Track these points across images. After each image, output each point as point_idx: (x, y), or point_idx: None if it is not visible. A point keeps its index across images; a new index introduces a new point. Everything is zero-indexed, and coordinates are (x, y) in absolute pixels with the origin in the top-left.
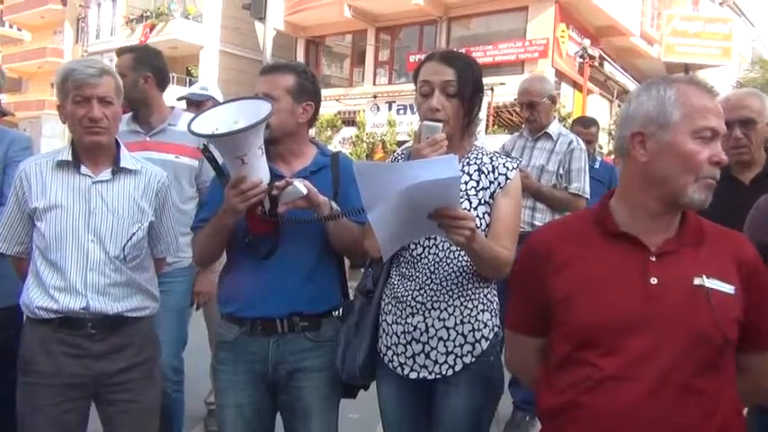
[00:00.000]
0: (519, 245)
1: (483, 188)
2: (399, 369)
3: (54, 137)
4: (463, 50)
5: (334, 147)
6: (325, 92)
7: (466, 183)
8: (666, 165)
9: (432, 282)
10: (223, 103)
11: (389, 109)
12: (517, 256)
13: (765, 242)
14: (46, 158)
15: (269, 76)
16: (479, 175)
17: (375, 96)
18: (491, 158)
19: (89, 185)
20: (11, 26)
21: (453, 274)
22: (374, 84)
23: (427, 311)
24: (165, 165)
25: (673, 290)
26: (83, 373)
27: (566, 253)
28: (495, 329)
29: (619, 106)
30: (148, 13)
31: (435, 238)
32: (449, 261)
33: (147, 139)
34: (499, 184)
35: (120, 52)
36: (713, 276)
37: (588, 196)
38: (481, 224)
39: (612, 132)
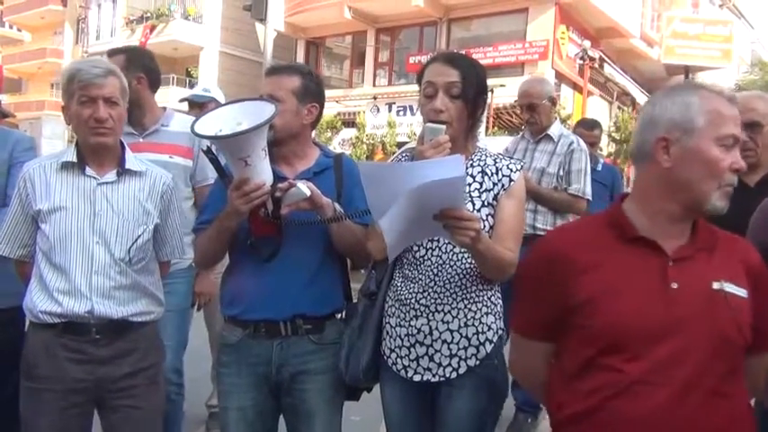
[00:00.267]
0: (522, 247)
1: (486, 190)
2: (403, 372)
3: (54, 138)
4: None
5: (333, 148)
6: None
7: (469, 184)
8: (691, 171)
9: (435, 284)
10: (226, 104)
11: (389, 110)
12: (527, 259)
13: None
14: (50, 160)
15: (274, 77)
16: (483, 177)
17: (375, 98)
18: (495, 160)
19: (94, 187)
20: (11, 27)
21: (457, 276)
22: (374, 85)
23: (431, 314)
24: (159, 165)
25: (693, 294)
26: (86, 378)
27: (586, 257)
28: (500, 332)
29: (619, 108)
30: (149, 14)
31: (438, 240)
32: (452, 263)
33: (141, 140)
34: (503, 185)
35: (112, 53)
36: (728, 281)
37: (589, 197)
38: (485, 226)
39: (612, 134)
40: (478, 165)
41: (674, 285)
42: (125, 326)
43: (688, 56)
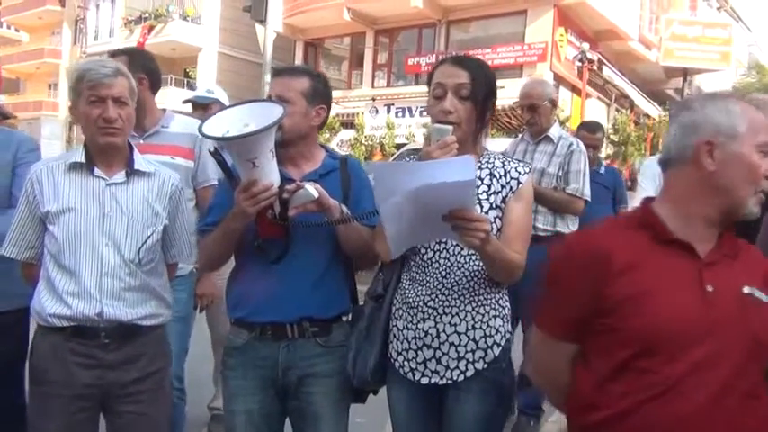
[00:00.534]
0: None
1: (495, 192)
2: (410, 374)
3: (53, 138)
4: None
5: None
6: None
7: (478, 187)
8: (732, 175)
9: (443, 286)
10: (233, 105)
11: (388, 112)
12: (559, 259)
13: None
14: (57, 161)
15: (283, 78)
16: (491, 180)
17: (374, 99)
18: (503, 163)
19: (103, 188)
20: (8, 27)
21: (465, 278)
22: (372, 86)
23: (438, 316)
24: None
25: (727, 298)
26: (95, 383)
27: (622, 257)
28: (507, 335)
29: (617, 110)
30: (147, 15)
31: (446, 242)
32: (460, 266)
33: (141, 141)
34: (511, 188)
35: (114, 54)
36: (755, 286)
37: (588, 198)
38: (492, 228)
39: (611, 137)
40: (487, 167)
41: (710, 288)
42: (134, 330)
43: (687, 58)
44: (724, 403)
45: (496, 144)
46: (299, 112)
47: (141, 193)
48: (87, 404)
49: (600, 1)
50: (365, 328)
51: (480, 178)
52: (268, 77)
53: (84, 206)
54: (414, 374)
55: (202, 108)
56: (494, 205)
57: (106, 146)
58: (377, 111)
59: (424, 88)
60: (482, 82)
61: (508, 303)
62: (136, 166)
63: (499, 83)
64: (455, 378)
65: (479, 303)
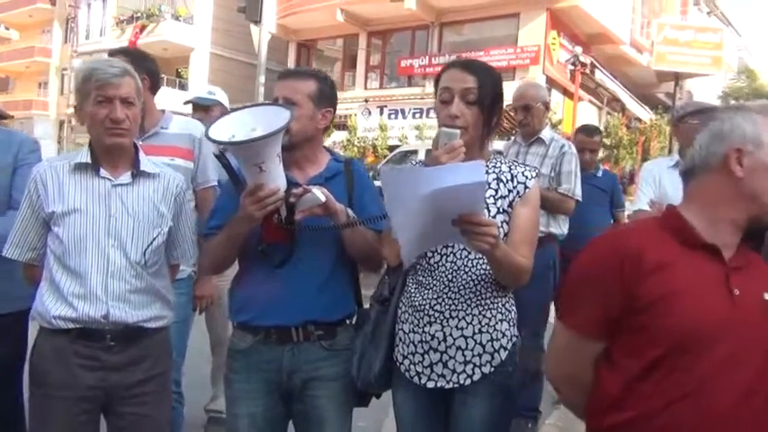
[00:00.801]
0: None
1: (502, 197)
2: (416, 378)
3: (46, 138)
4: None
5: None
6: None
7: (485, 191)
8: (761, 181)
9: (450, 290)
10: (239, 108)
11: (381, 113)
12: (588, 258)
13: None
14: (62, 161)
15: (289, 80)
16: (498, 184)
17: (366, 100)
18: (509, 167)
19: (109, 189)
20: None
21: (471, 282)
22: (365, 88)
23: (445, 320)
24: None
25: (752, 302)
26: (98, 385)
27: (654, 256)
28: (513, 339)
29: (608, 113)
30: (139, 14)
31: (453, 246)
32: (467, 269)
33: (140, 142)
34: (518, 192)
35: (113, 54)
36: None
37: (579, 198)
38: (500, 233)
39: (603, 140)
40: (494, 171)
41: (737, 291)
42: (139, 332)
43: (679, 62)
44: (750, 404)
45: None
46: (306, 115)
47: (147, 195)
48: (90, 406)
49: (592, 5)
50: (370, 332)
51: (488, 182)
52: (262, 78)
53: (90, 207)
54: (420, 378)
55: (203, 109)
56: (501, 209)
57: (113, 146)
58: (369, 112)
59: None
60: (489, 87)
61: (514, 308)
62: (142, 167)
63: None
64: (462, 382)
65: (486, 307)
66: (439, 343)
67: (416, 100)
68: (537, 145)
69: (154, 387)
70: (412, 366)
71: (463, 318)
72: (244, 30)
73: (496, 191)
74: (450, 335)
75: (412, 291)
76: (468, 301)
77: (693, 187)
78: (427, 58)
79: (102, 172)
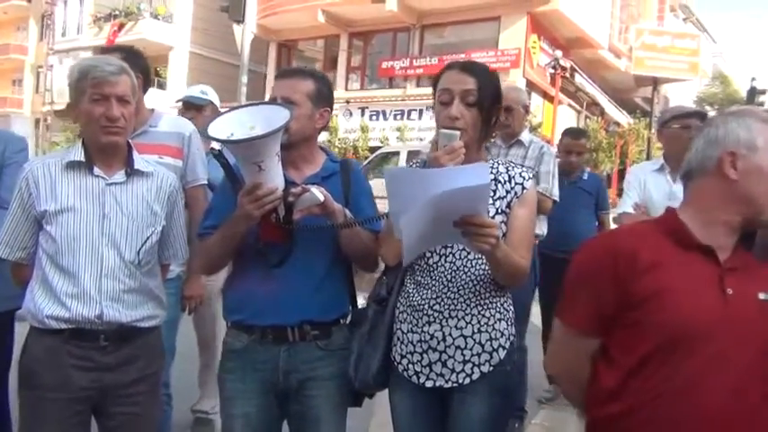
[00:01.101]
0: None
1: (500, 198)
2: (415, 378)
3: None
4: (435, 58)
5: None
6: None
7: None
8: (754, 184)
9: (449, 290)
10: (238, 107)
11: (362, 115)
12: (586, 256)
13: None
14: (54, 159)
15: (288, 80)
16: (496, 185)
17: (347, 102)
18: (507, 168)
19: (102, 187)
20: None
21: (471, 282)
22: (346, 89)
23: (444, 320)
24: None
25: (746, 302)
26: (92, 386)
27: (649, 256)
28: (512, 338)
29: (587, 117)
30: (117, 12)
31: (452, 247)
32: (466, 269)
33: (129, 140)
34: (516, 193)
35: (106, 51)
36: (766, 294)
37: (557, 198)
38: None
39: None
40: (491, 173)
41: (730, 291)
42: (133, 332)
43: (657, 68)
44: (739, 401)
45: None
46: (304, 114)
47: (141, 194)
48: (82, 407)
49: (572, 9)
50: (368, 332)
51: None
52: (245, 78)
53: (83, 206)
54: (418, 377)
55: (195, 109)
56: (499, 210)
57: (108, 145)
58: (351, 113)
59: (398, 92)
60: (488, 89)
61: (512, 307)
62: (136, 166)
63: None
64: (461, 381)
65: (485, 307)
66: (438, 342)
67: (397, 101)
68: (517, 147)
69: (146, 387)
70: (410, 366)
71: (462, 317)
72: (224, 29)
73: (494, 192)
74: (450, 334)
75: (410, 290)
76: (468, 301)
77: (690, 190)
78: (408, 60)
79: (96, 170)
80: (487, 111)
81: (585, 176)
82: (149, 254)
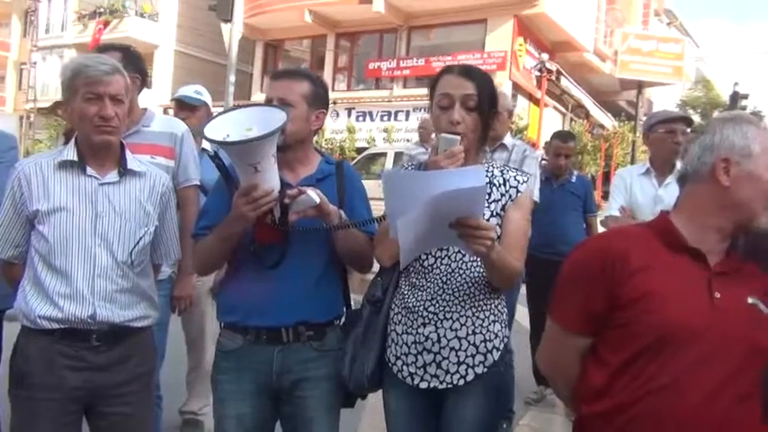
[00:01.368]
0: None
1: (494, 201)
2: (409, 379)
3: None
4: (422, 60)
5: None
6: None
7: None
8: (747, 191)
9: (444, 292)
10: (234, 108)
11: (349, 115)
12: (579, 257)
13: None
14: (46, 158)
15: (284, 81)
16: (491, 188)
17: (334, 102)
18: (501, 171)
19: (95, 187)
20: None
21: (466, 284)
22: (333, 90)
23: (439, 321)
24: None
25: (733, 305)
26: (84, 386)
27: (639, 258)
28: (505, 340)
29: (572, 120)
30: (102, 10)
31: (448, 249)
32: (461, 271)
33: (122, 140)
34: (510, 196)
35: (103, 49)
36: (757, 298)
37: (537, 200)
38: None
39: None
40: (486, 176)
41: (717, 295)
42: (125, 332)
43: (642, 71)
44: (718, 402)
45: None
46: (300, 116)
47: (134, 194)
48: (75, 407)
49: (558, 13)
50: (362, 333)
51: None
52: (233, 77)
53: (76, 206)
54: (413, 379)
55: (189, 108)
56: (494, 213)
57: (102, 144)
58: (337, 114)
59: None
60: (487, 93)
61: (506, 309)
62: (129, 166)
63: None
64: (455, 382)
65: (480, 309)
66: (433, 344)
67: (384, 102)
68: (500, 150)
69: (139, 387)
70: (405, 367)
71: (457, 319)
72: (210, 28)
73: (489, 194)
74: (445, 336)
75: (405, 292)
76: (463, 303)
77: (684, 195)
78: (395, 61)
79: (89, 170)
80: (486, 115)
81: (574, 179)
82: (142, 254)
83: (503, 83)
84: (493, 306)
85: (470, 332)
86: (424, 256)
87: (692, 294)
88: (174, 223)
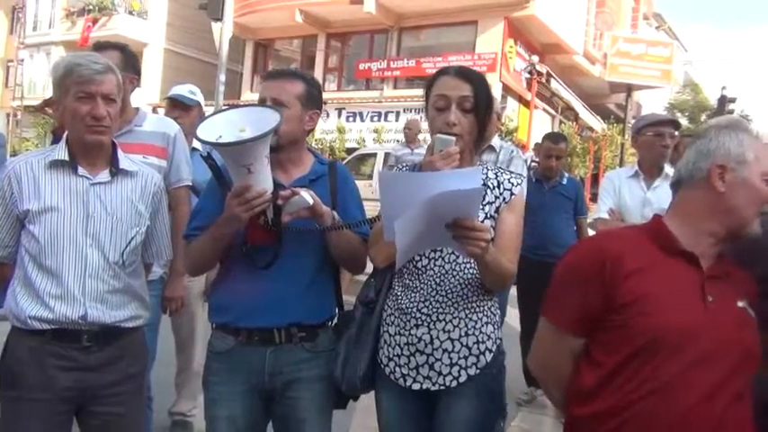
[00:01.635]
0: None
1: (488, 203)
2: (401, 380)
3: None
4: (413, 61)
5: None
6: None
7: None
8: (741, 197)
9: (437, 293)
10: (227, 109)
11: (339, 116)
12: (574, 258)
13: None
14: (37, 157)
15: (277, 81)
16: (485, 190)
17: (325, 103)
18: (496, 174)
19: (87, 187)
20: None
21: (459, 286)
22: (323, 90)
23: (432, 323)
24: None
25: (725, 308)
26: (75, 386)
27: (633, 262)
28: (498, 342)
29: (561, 122)
30: (91, 7)
31: (441, 251)
32: (454, 273)
33: (114, 140)
34: (504, 199)
35: (100, 47)
36: (746, 301)
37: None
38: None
39: None
40: (481, 178)
41: (710, 298)
42: (116, 332)
43: (631, 74)
44: (713, 404)
45: None
46: (294, 116)
47: (125, 194)
48: (66, 407)
49: (548, 15)
50: (355, 334)
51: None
52: (223, 77)
53: (67, 206)
54: (405, 380)
55: (182, 108)
56: (488, 215)
57: (93, 144)
58: (327, 114)
59: (375, 93)
60: (484, 95)
61: (498, 311)
62: (121, 165)
63: None
64: (448, 384)
65: (472, 310)
66: (425, 345)
67: (374, 103)
68: (488, 152)
69: (130, 387)
70: (397, 368)
71: (450, 321)
72: (200, 26)
73: (484, 197)
74: (437, 337)
75: (398, 293)
76: (456, 305)
77: (679, 199)
78: (386, 61)
79: (80, 170)
80: (482, 117)
81: (565, 181)
82: (134, 254)
83: (493, 85)
84: (486, 308)
85: (463, 334)
86: (417, 258)
87: (687, 297)
88: (166, 223)
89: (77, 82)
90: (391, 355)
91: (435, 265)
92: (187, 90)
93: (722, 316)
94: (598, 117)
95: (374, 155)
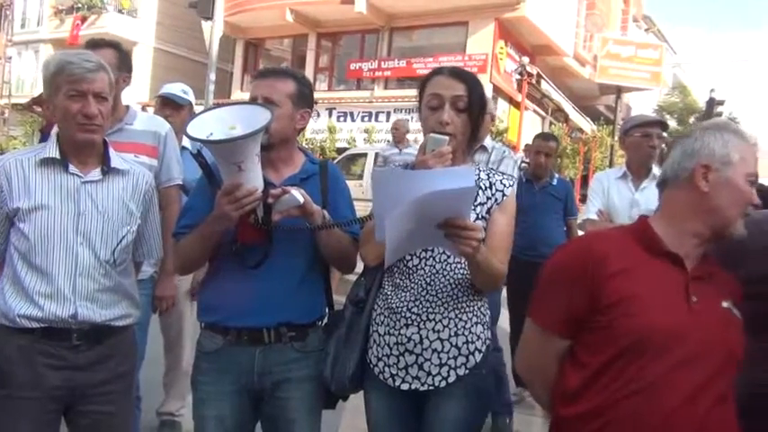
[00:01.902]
0: None
1: (480, 203)
2: (390, 380)
3: None
4: (404, 61)
5: None
6: None
7: None
8: (724, 197)
9: (427, 293)
10: (217, 107)
11: (329, 116)
12: (560, 259)
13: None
14: (27, 155)
15: (268, 80)
16: (477, 191)
17: (315, 102)
18: (488, 175)
19: (78, 185)
20: None
21: (449, 286)
22: (314, 89)
23: (422, 323)
24: None
25: (709, 309)
26: (64, 384)
27: (619, 261)
28: (488, 342)
29: (551, 124)
30: (80, 5)
31: (432, 250)
32: (445, 273)
33: (105, 138)
34: (496, 200)
35: (94, 45)
36: (730, 302)
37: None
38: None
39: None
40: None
41: (694, 299)
42: (106, 331)
43: (620, 76)
44: (698, 405)
45: None
46: (285, 115)
47: (117, 192)
48: (54, 406)
49: (539, 17)
50: (344, 334)
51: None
52: (213, 76)
53: (57, 204)
54: (394, 380)
55: (173, 107)
56: (480, 216)
57: (85, 142)
58: (318, 114)
59: (366, 93)
60: (477, 95)
61: (489, 311)
62: (112, 164)
63: None
64: (437, 384)
65: (462, 310)
66: (415, 345)
67: (365, 103)
68: (480, 153)
69: (119, 386)
70: (386, 368)
71: (440, 321)
72: (190, 25)
73: (476, 197)
74: (427, 337)
75: (388, 293)
76: (446, 305)
77: (664, 199)
78: (377, 62)
79: (71, 168)
80: (476, 117)
81: (555, 182)
82: (124, 252)
83: (483, 85)
84: (476, 308)
85: (453, 334)
86: (408, 257)
87: (671, 298)
88: (157, 222)
89: (69, 80)
90: (380, 355)
91: (426, 265)
92: (179, 89)
93: (706, 317)
94: (588, 118)
95: (364, 155)
